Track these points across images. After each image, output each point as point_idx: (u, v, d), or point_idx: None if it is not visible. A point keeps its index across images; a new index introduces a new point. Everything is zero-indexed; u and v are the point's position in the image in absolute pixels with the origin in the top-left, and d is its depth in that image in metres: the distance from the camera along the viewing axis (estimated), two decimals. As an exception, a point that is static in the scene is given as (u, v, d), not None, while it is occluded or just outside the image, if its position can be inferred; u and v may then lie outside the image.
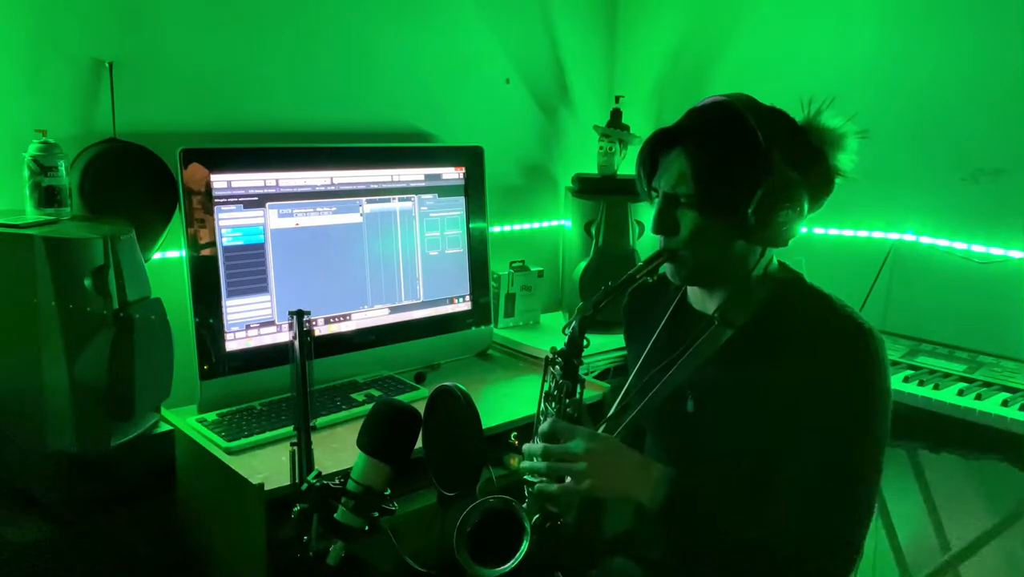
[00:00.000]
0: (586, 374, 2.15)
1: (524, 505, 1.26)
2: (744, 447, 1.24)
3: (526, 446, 1.28)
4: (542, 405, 1.31)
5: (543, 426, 1.27)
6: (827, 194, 1.26)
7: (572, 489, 1.22)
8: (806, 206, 1.21)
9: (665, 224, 1.25)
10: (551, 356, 1.30)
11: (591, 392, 1.99)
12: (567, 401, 1.28)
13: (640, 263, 1.29)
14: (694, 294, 1.36)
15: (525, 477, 1.27)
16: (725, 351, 1.27)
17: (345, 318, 2.02)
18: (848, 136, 1.24)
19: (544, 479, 1.24)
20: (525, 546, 1.20)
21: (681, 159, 1.22)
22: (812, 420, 1.18)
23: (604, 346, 2.21)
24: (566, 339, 1.29)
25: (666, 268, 1.30)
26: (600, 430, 1.33)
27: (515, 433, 1.83)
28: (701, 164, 1.20)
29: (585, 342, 1.29)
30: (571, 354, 1.28)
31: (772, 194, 1.18)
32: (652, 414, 1.34)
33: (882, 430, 1.20)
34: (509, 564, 1.20)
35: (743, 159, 1.19)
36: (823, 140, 1.23)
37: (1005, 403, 1.74)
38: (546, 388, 1.31)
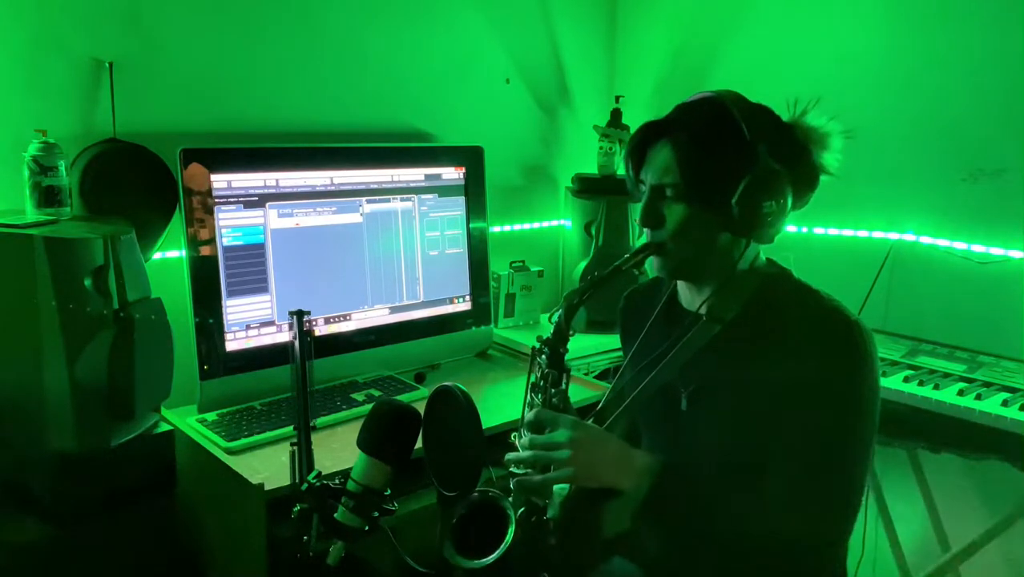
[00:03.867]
0: (586, 374, 2.16)
1: (510, 499, 1.26)
2: (736, 442, 1.24)
3: (512, 437, 1.28)
4: (529, 396, 1.31)
5: (528, 416, 1.27)
6: (811, 190, 1.26)
7: (555, 478, 1.22)
8: (790, 201, 1.22)
9: (651, 216, 1.26)
10: (538, 346, 1.30)
11: (591, 392, 1.99)
12: (552, 391, 1.28)
13: (630, 253, 1.29)
14: (684, 292, 1.36)
15: (511, 469, 1.27)
16: (715, 347, 1.28)
17: (345, 318, 2.02)
18: (833, 135, 1.25)
19: (528, 470, 1.24)
20: (510, 536, 1.20)
21: (667, 151, 1.23)
22: (800, 413, 1.18)
23: (604, 346, 2.21)
24: (552, 328, 1.29)
25: (652, 262, 1.30)
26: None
27: (515, 433, 1.83)
28: (686, 154, 1.21)
29: (571, 332, 1.29)
30: (557, 343, 1.28)
31: (756, 185, 1.19)
32: (645, 412, 1.34)
33: (870, 422, 1.20)
34: (494, 554, 1.20)
35: (728, 150, 1.20)
36: (808, 138, 1.24)
37: (1005, 403, 1.74)
38: (533, 379, 1.31)
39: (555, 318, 1.28)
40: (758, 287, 1.28)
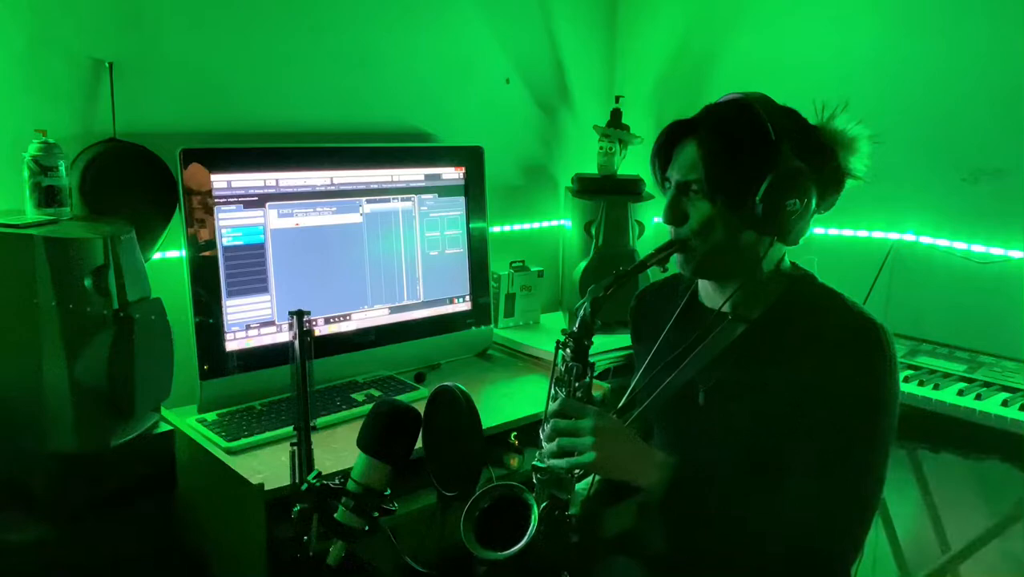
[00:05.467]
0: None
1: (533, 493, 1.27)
2: (753, 440, 1.25)
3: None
4: (553, 389, 1.32)
5: (553, 405, 1.28)
6: (836, 192, 1.28)
7: (577, 463, 1.22)
8: (814, 201, 1.24)
9: (676, 213, 1.28)
10: (562, 339, 1.30)
11: (591, 392, 1.99)
12: (576, 384, 1.29)
13: (656, 249, 1.30)
14: (705, 291, 1.37)
15: (534, 463, 1.28)
16: (737, 346, 1.28)
17: (345, 318, 2.02)
18: (860, 139, 1.26)
19: (552, 462, 1.24)
20: (533, 526, 1.20)
21: (692, 148, 1.25)
22: (823, 414, 1.19)
23: (605, 346, 2.20)
24: (577, 321, 1.30)
25: (676, 259, 1.31)
26: None
27: (515, 433, 1.83)
28: (711, 152, 1.23)
29: (597, 323, 1.29)
30: (582, 335, 1.28)
31: (779, 183, 1.20)
32: (662, 408, 1.34)
33: (890, 425, 1.21)
34: (518, 545, 1.20)
35: (752, 148, 1.22)
36: (834, 140, 1.26)
37: (1005, 403, 1.74)
38: (557, 373, 1.32)
39: (582, 312, 1.29)
40: (783, 289, 1.29)
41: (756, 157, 1.21)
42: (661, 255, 1.29)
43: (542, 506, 1.25)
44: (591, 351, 1.31)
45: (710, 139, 1.23)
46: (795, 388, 1.20)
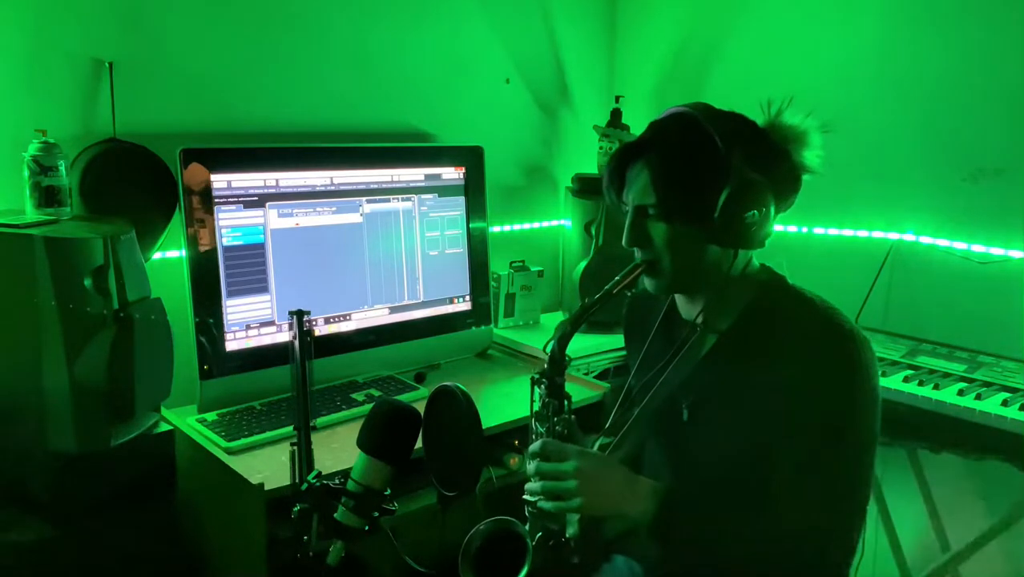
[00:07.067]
0: (586, 374, 2.16)
1: (527, 526, 1.27)
2: (736, 452, 1.23)
3: (526, 467, 1.29)
4: (533, 424, 1.32)
5: (533, 446, 1.28)
6: (794, 192, 1.26)
7: (565, 508, 1.23)
8: (773, 206, 1.22)
9: (636, 237, 1.27)
10: (536, 377, 1.30)
11: (591, 392, 1.99)
12: (555, 420, 1.29)
13: (620, 275, 1.29)
14: (681, 302, 1.36)
15: (524, 498, 1.28)
16: (712, 357, 1.28)
17: (345, 318, 2.02)
18: (810, 132, 1.24)
19: (540, 497, 1.25)
20: (527, 566, 1.20)
21: (645, 172, 1.24)
22: (796, 422, 1.17)
23: (604, 346, 2.21)
24: (547, 359, 1.29)
25: (644, 280, 1.30)
26: (600, 440, 1.35)
27: (517, 442, 1.83)
28: (661, 173, 1.22)
29: (568, 360, 1.29)
30: (554, 373, 1.28)
31: (735, 197, 1.18)
32: (649, 425, 1.34)
33: (867, 429, 1.19)
34: None
35: (702, 165, 1.20)
36: (785, 138, 1.24)
37: (1005, 403, 1.74)
38: (535, 408, 1.31)
39: (548, 349, 1.28)
40: (752, 296, 1.28)
41: (708, 175, 1.19)
42: (628, 279, 1.28)
43: (536, 537, 1.25)
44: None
45: (660, 163, 1.22)
46: (768, 397, 1.19)
